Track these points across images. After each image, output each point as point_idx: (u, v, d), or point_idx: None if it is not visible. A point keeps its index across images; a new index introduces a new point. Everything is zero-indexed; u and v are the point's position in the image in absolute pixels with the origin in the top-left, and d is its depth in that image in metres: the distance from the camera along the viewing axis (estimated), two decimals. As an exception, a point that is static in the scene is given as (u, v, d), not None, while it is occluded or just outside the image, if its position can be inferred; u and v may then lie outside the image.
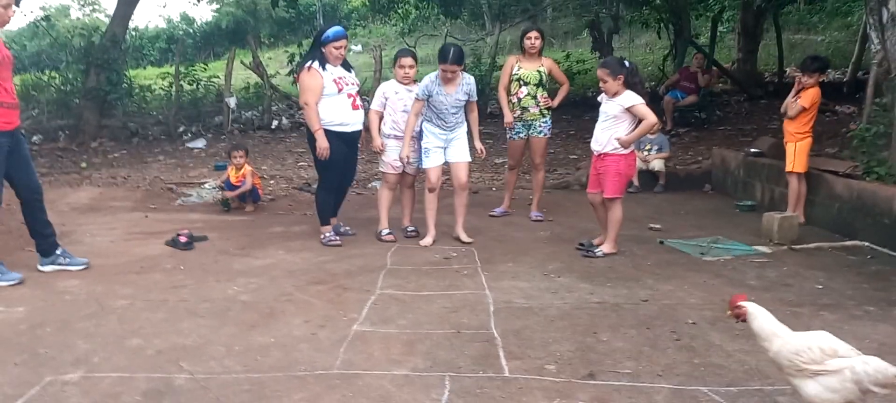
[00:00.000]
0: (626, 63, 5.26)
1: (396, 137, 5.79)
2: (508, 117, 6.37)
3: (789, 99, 6.44)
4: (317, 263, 5.19)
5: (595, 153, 5.40)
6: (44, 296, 4.40)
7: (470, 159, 5.91)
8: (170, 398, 3.03)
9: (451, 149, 5.80)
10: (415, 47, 17.75)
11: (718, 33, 15.32)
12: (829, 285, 4.59)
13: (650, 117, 5.12)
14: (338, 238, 5.78)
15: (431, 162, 5.76)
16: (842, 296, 4.36)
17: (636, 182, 8.08)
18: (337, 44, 5.60)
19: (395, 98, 5.78)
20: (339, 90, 5.57)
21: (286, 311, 4.13)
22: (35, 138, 11.55)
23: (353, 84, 5.73)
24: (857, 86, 11.64)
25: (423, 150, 5.80)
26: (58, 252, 4.95)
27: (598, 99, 5.42)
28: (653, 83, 14.06)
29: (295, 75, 6.44)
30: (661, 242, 5.71)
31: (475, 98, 5.84)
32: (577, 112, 12.94)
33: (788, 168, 6.37)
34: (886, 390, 2.46)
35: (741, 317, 2.81)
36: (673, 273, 4.88)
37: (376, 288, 4.59)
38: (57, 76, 13.48)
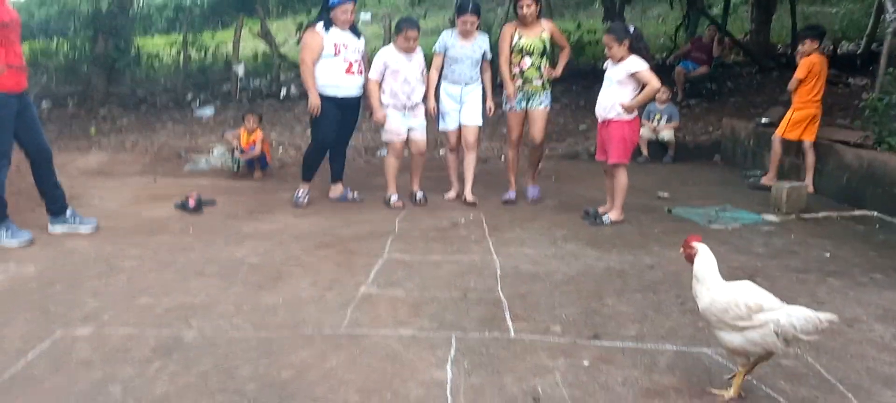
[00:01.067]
0: (631, 28, 5.23)
1: (395, 107, 5.79)
2: (509, 89, 5.85)
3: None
4: (325, 228, 5.21)
5: (600, 119, 5.38)
6: (54, 255, 4.44)
7: (480, 123, 5.95)
8: (179, 352, 3.07)
9: (463, 109, 5.93)
10: (424, 17, 17.63)
11: (731, 4, 15.12)
12: (836, 253, 4.58)
13: (654, 82, 5.09)
14: (306, 198, 5.92)
15: (448, 124, 6.01)
16: (848, 264, 4.35)
17: (646, 152, 8.06)
18: (343, 8, 5.64)
19: (395, 67, 5.72)
20: (336, 53, 5.61)
21: (294, 273, 4.16)
22: (44, 104, 11.57)
23: (355, 50, 5.73)
24: (870, 59, 11.48)
25: (440, 113, 5.98)
26: (67, 213, 4.99)
27: (603, 66, 5.39)
28: (665, 54, 13.95)
29: (300, 34, 6.41)
30: (669, 211, 5.70)
31: (489, 57, 5.94)
32: (587, 83, 12.82)
33: (777, 132, 6.63)
34: (812, 337, 2.57)
35: (691, 257, 2.86)
36: (679, 240, 4.72)
37: (384, 252, 4.61)
38: (65, 43, 13.47)
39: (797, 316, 2.54)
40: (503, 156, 8.35)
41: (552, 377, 2.89)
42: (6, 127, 4.56)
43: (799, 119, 6.41)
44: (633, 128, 5.32)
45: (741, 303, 2.59)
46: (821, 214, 5.49)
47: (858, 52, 12.85)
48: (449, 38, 5.85)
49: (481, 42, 5.86)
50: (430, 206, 5.92)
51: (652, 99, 5.44)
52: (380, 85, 5.78)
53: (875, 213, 5.42)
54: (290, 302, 3.70)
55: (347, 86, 5.74)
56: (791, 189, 5.63)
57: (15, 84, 4.58)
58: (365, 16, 20.55)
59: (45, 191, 4.96)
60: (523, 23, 5.76)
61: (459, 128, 6.00)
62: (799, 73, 6.32)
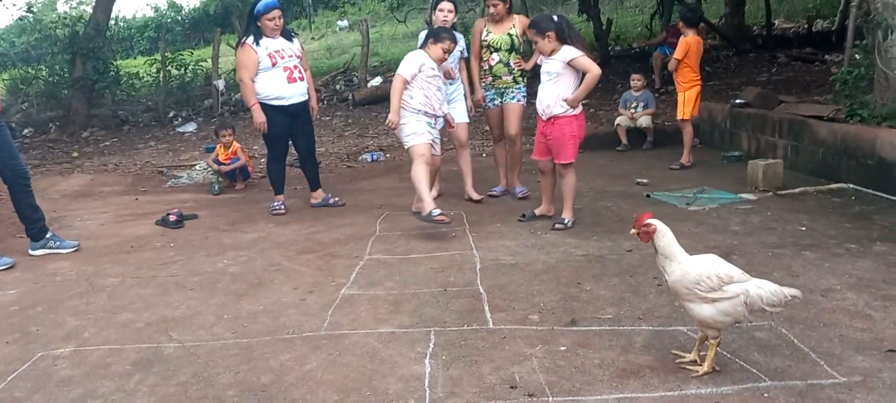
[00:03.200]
0: (555, 18, 4.95)
1: (426, 114, 5.32)
2: (478, 94, 5.80)
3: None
4: (306, 234, 5.23)
5: (542, 117, 5.03)
6: (35, 278, 4.45)
7: (468, 120, 5.97)
8: (159, 365, 3.09)
9: (451, 110, 5.80)
10: (404, 22, 17.71)
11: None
12: (811, 227, 4.64)
13: (594, 69, 4.75)
14: (283, 208, 5.90)
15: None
16: (824, 236, 4.41)
17: (624, 140, 8.10)
18: (270, 15, 5.61)
19: (432, 73, 5.29)
20: (274, 64, 5.57)
21: (275, 280, 4.18)
22: (26, 131, 11.56)
23: (291, 56, 5.68)
24: (844, 35, 11.60)
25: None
26: (47, 235, 4.99)
27: (538, 61, 5.12)
28: (642, 43, 14.04)
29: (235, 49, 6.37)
30: (648, 196, 5.74)
31: (466, 55, 5.95)
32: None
33: (679, 116, 6.95)
34: (778, 309, 2.66)
35: (648, 235, 2.77)
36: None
37: (365, 253, 4.63)
38: (44, 68, 13.45)
39: (765, 288, 2.62)
40: (484, 154, 8.39)
41: (530, 364, 2.92)
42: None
43: (692, 97, 6.83)
44: (580, 124, 4.97)
45: (713, 274, 2.63)
46: (797, 190, 5.54)
47: (833, 29, 12.97)
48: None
49: (459, 42, 5.77)
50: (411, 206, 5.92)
51: (594, 86, 4.96)
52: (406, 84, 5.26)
53: (850, 185, 5.48)
54: (270, 308, 3.72)
55: (292, 94, 5.68)
56: (767, 166, 5.69)
57: (-13, 110, 4.59)
58: (342, 23, 20.56)
59: (24, 215, 4.97)
60: (492, 19, 5.78)
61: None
62: (677, 54, 6.78)
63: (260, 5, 5.62)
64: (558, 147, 4.94)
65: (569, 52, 4.79)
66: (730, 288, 2.61)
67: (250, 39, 5.60)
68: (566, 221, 4.97)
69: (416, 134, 5.21)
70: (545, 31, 4.81)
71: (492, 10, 5.70)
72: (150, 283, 4.25)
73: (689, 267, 2.69)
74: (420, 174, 5.12)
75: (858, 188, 5.42)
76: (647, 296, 3.57)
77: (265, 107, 5.62)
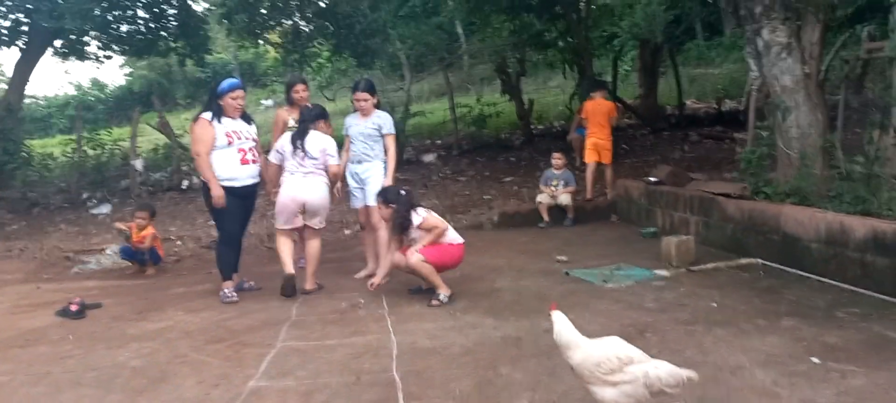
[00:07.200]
0: (402, 191, 5.42)
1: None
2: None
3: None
4: (217, 321, 5.01)
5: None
6: (-88, 379, 4.08)
7: (373, 203, 5.85)
8: (39, 475, 2.84)
9: (366, 190, 5.95)
10: (333, 100, 17.77)
11: (621, 71, 15.95)
12: (722, 302, 4.74)
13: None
14: (235, 295, 5.60)
15: (354, 203, 6.15)
16: (734, 312, 4.50)
17: (546, 217, 8.22)
18: (233, 95, 5.56)
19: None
20: (230, 143, 5.48)
21: (179, 373, 3.96)
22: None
23: (247, 138, 5.63)
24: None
25: (348, 191, 6.13)
26: (-69, 331, 4.62)
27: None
28: (562, 122, 14.48)
29: (189, 125, 6.24)
30: (567, 273, 5.78)
31: (386, 131, 5.97)
32: (492, 154, 13.18)
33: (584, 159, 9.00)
34: (676, 390, 2.71)
35: None
36: (576, 301, 4.94)
37: (278, 341, 4.46)
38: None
39: (663, 369, 2.67)
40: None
41: (441, 457, 2.81)
42: None
43: (590, 146, 8.72)
44: None
45: (613, 356, 2.68)
46: (708, 266, 5.68)
47: (741, 108, 13.69)
48: (350, 118, 6.04)
49: (377, 119, 5.93)
50: (331, 288, 5.79)
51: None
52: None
53: (758, 261, 5.66)
54: (170, 405, 3.50)
55: (244, 177, 5.59)
56: (679, 242, 5.83)
57: None
58: (267, 101, 20.53)
59: None
60: (296, 106, 6.14)
61: (364, 207, 6.00)
62: (580, 113, 9.21)
63: (225, 84, 5.60)
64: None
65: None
66: (629, 370, 2.65)
67: (208, 115, 5.51)
68: (443, 297, 5.14)
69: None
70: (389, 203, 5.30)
71: (300, 94, 6.25)
72: (42, 381, 3.95)
73: (590, 350, 2.72)
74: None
75: (766, 263, 5.60)
76: (563, 379, 3.52)
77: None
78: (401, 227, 5.26)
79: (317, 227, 5.69)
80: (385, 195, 5.39)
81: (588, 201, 8.66)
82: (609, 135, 8.77)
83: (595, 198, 8.82)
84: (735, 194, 6.41)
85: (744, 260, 5.77)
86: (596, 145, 8.68)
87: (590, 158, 8.76)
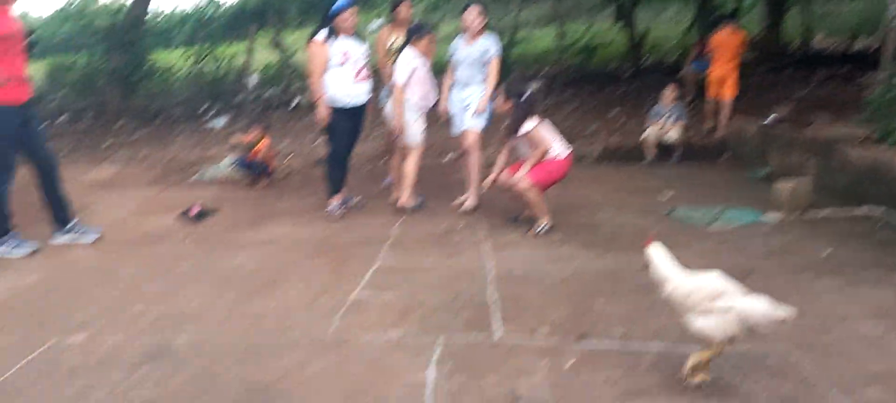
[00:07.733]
0: (527, 93, 5.28)
1: (421, 110, 5.85)
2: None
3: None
4: (323, 235, 5.25)
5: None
6: (56, 265, 4.53)
7: (475, 126, 5.85)
8: (167, 358, 3.13)
9: (466, 113, 5.91)
10: (438, 25, 17.71)
11: (744, 4, 15.01)
12: (833, 252, 4.52)
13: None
14: (342, 208, 5.83)
15: (456, 128, 6.08)
16: (844, 262, 4.29)
17: (651, 154, 8.00)
18: (346, 14, 5.63)
19: (422, 72, 5.76)
20: (343, 62, 5.59)
21: (289, 279, 4.20)
22: (61, 119, 11.80)
23: (361, 56, 5.73)
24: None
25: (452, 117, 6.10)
26: (72, 224, 5.08)
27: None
28: (677, 55, 13.88)
29: (304, 45, 6.37)
30: (670, 212, 5.66)
31: (492, 55, 5.83)
32: (599, 85, 12.85)
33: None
34: (770, 328, 2.67)
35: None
36: (677, 241, 4.80)
37: (379, 258, 4.63)
38: (82, 59, 13.73)
39: (758, 306, 2.62)
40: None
41: (533, 378, 2.89)
42: (7, 139, 4.66)
43: (716, 80, 8.61)
44: None
45: (705, 286, 2.69)
46: (822, 213, 5.41)
47: (874, 47, 12.68)
48: (456, 42, 5.94)
49: (484, 42, 5.82)
50: (430, 211, 5.92)
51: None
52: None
53: (879, 211, 5.33)
54: (280, 308, 3.74)
55: (358, 94, 5.72)
56: (794, 187, 5.56)
57: (17, 96, 4.67)
58: (375, 23, 20.62)
59: (51, 202, 5.06)
60: (400, 25, 6.10)
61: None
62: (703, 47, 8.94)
63: (338, 3, 5.66)
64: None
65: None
66: (721, 303, 2.65)
67: (323, 35, 5.65)
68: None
69: (418, 131, 5.81)
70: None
71: (404, 13, 6.29)
72: (165, 277, 4.30)
73: (680, 282, 2.75)
74: (414, 168, 5.84)
75: (886, 214, 5.26)
76: (660, 316, 3.50)
77: (332, 107, 5.66)
78: (511, 128, 5.23)
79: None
80: (509, 88, 5.33)
81: (716, 136, 8.48)
82: (736, 68, 8.57)
83: (711, 134, 8.56)
84: (858, 140, 6.01)
85: (862, 210, 5.45)
86: (721, 79, 8.55)
87: (715, 93, 8.68)
